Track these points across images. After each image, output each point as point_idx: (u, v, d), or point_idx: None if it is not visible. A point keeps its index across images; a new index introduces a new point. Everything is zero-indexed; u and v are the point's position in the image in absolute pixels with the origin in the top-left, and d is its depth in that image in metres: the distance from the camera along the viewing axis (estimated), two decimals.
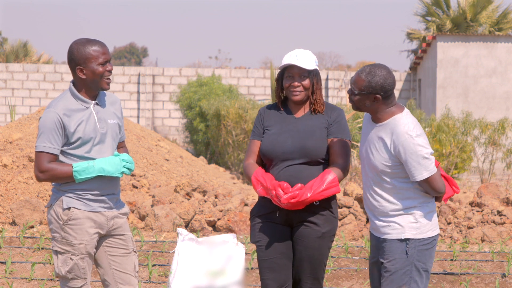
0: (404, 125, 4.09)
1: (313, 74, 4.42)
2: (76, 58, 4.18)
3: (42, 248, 7.39)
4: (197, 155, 18.88)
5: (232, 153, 16.43)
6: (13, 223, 8.37)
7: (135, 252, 4.44)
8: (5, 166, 9.59)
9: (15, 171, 9.53)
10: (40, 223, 8.31)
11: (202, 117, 19.56)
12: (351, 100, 4.17)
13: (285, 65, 4.40)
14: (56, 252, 4.25)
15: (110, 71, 4.23)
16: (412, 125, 4.10)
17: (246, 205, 8.63)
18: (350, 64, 49.91)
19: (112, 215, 4.31)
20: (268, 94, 24.51)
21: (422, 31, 27.63)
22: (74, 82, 4.27)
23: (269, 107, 4.56)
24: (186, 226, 8.41)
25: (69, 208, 4.20)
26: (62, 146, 4.19)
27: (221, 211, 8.50)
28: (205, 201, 8.95)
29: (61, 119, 4.15)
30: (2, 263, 7.03)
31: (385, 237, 4.20)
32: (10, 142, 10.87)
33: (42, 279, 6.75)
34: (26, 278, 6.76)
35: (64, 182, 4.21)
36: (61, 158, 4.22)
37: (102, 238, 4.34)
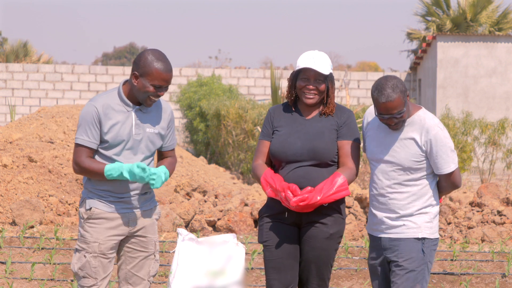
0: (432, 119, 4.23)
1: (329, 79, 4.40)
2: (139, 65, 4.15)
3: (42, 248, 7.38)
4: (197, 155, 18.87)
5: (232, 153, 16.42)
6: (13, 223, 8.37)
7: (155, 256, 4.41)
8: (5, 166, 9.59)
9: (15, 171, 9.53)
10: (40, 223, 8.31)
11: (202, 117, 19.56)
12: (397, 124, 4.15)
13: (302, 68, 4.36)
14: (76, 250, 4.30)
15: (159, 96, 4.19)
16: (437, 119, 4.25)
17: (246, 205, 8.63)
18: (350, 64, 49.91)
19: (135, 216, 4.30)
20: (268, 94, 24.49)
21: (422, 31, 27.62)
22: (126, 82, 4.25)
23: (279, 107, 4.54)
24: (186, 226, 8.41)
25: (90, 208, 4.24)
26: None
27: (221, 211, 8.50)
28: (205, 201, 8.95)
29: (98, 114, 4.16)
30: (2, 263, 7.03)
31: (399, 236, 4.21)
32: (10, 142, 10.88)
33: (42, 279, 6.75)
34: (26, 278, 6.76)
35: (89, 179, 4.26)
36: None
37: (124, 238, 4.33)
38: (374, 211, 4.32)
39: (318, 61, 4.35)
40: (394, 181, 4.23)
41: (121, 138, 4.19)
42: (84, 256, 4.24)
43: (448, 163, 4.19)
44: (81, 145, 4.19)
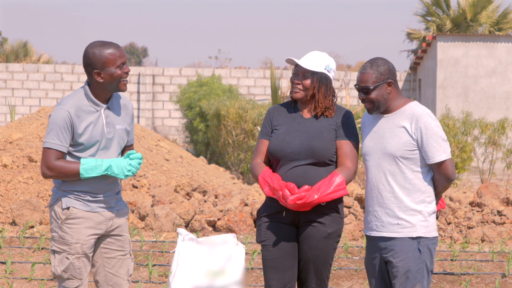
0: (424, 109, 4.24)
1: (317, 77, 4.41)
2: (93, 63, 4.17)
3: (42, 248, 7.39)
4: (197, 155, 18.87)
5: (232, 153, 16.42)
6: (13, 223, 8.37)
7: (130, 254, 4.42)
8: (5, 166, 9.59)
9: (15, 171, 9.53)
10: (40, 223, 8.31)
11: (202, 117, 19.56)
12: (368, 102, 4.22)
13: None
14: (54, 252, 4.26)
15: (127, 73, 4.23)
16: (429, 110, 4.25)
17: (246, 205, 8.63)
18: (350, 64, 49.87)
19: (111, 215, 4.30)
20: (268, 94, 24.50)
21: (422, 31, 27.63)
22: (89, 84, 4.25)
23: (278, 106, 4.57)
24: (186, 226, 8.41)
25: (68, 208, 4.21)
26: (69, 146, 4.20)
27: (221, 211, 8.50)
28: (205, 201, 8.95)
29: (71, 118, 4.15)
30: (2, 263, 7.03)
31: (393, 235, 4.21)
32: (10, 142, 10.87)
33: (42, 279, 6.75)
34: (26, 278, 6.76)
35: (64, 181, 4.22)
36: (67, 158, 4.23)
37: (100, 238, 4.33)
38: (369, 208, 4.34)
39: (310, 58, 4.43)
40: (387, 173, 4.23)
41: (96, 139, 4.20)
42: (67, 258, 4.21)
43: (439, 152, 4.16)
44: (51, 148, 4.16)
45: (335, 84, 4.58)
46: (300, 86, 4.42)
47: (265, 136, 4.50)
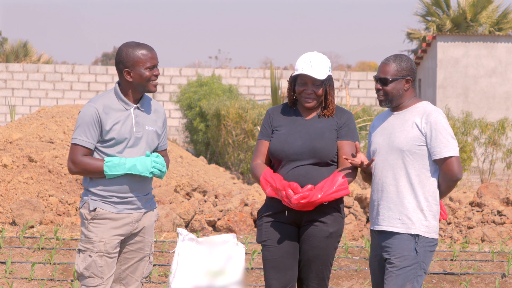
0: (435, 107, 4.29)
1: (326, 82, 4.42)
2: (124, 61, 4.24)
3: (42, 248, 7.39)
4: (197, 155, 18.87)
5: (232, 153, 16.42)
6: (13, 223, 8.37)
7: (149, 257, 4.43)
8: (5, 166, 9.59)
9: (15, 171, 9.53)
10: (40, 223, 8.31)
11: (202, 117, 19.56)
12: (382, 93, 4.26)
13: (299, 74, 4.40)
14: (79, 251, 4.30)
15: (156, 76, 4.29)
16: (440, 109, 4.30)
17: (246, 205, 8.63)
18: (350, 64, 49.93)
19: (138, 216, 4.33)
20: (268, 94, 24.51)
21: (422, 31, 27.64)
22: (119, 84, 4.32)
23: (277, 107, 4.57)
24: (186, 226, 8.42)
25: (94, 209, 4.25)
26: (97, 142, 4.24)
27: (221, 211, 8.50)
28: (205, 201, 8.96)
29: (99, 115, 4.21)
30: (2, 263, 7.03)
31: (393, 230, 4.22)
32: (10, 142, 10.88)
33: (42, 279, 6.75)
34: (26, 278, 6.76)
35: (92, 180, 4.27)
36: (93, 154, 4.27)
37: (124, 238, 4.35)
38: (373, 203, 4.36)
39: (315, 65, 4.38)
40: (392, 168, 4.25)
41: (124, 136, 4.25)
42: (90, 256, 4.24)
43: (447, 148, 4.18)
44: (78, 144, 4.23)
45: (335, 84, 4.58)
46: (313, 95, 4.41)
47: (265, 137, 4.50)
